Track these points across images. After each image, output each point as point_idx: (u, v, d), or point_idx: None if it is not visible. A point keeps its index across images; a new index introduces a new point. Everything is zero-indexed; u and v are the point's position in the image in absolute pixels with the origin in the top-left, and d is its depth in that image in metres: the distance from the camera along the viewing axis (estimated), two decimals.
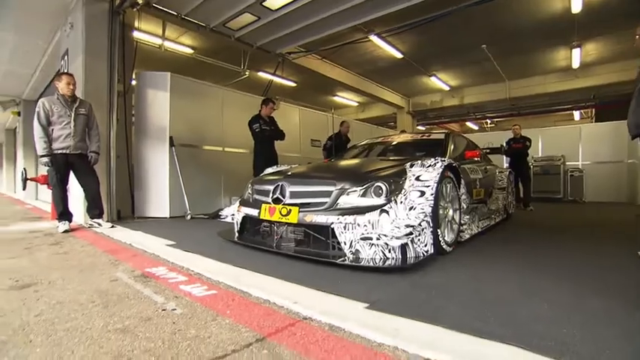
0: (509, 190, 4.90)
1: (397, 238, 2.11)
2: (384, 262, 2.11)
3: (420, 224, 2.20)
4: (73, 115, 3.85)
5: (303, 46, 7.26)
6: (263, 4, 5.05)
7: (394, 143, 4.24)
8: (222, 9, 5.31)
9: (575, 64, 9.05)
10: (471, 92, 12.15)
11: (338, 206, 2.34)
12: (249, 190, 3.14)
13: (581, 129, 9.41)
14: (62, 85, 3.81)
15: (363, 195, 2.33)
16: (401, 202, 2.23)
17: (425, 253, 2.24)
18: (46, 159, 3.71)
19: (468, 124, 15.52)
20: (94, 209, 4.06)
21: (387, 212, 2.18)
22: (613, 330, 1.30)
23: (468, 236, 3.04)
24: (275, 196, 2.64)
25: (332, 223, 2.26)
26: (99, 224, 4.08)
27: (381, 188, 2.31)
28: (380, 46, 7.84)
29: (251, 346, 1.22)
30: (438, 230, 2.39)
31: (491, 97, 11.80)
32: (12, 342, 1.26)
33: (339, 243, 2.25)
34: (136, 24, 5.56)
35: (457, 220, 2.83)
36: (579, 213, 6.08)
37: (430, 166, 2.51)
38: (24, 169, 4.96)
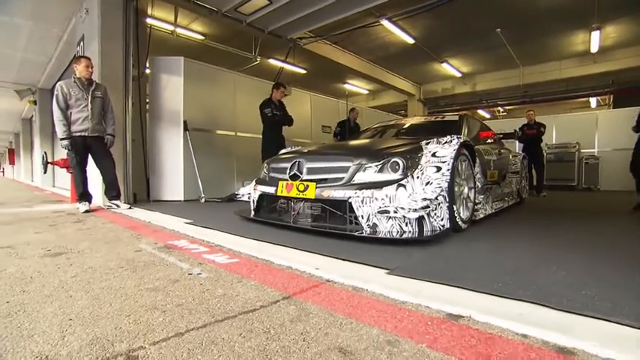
0: (522, 175, 4.87)
1: (414, 210, 2.13)
2: (401, 234, 2.15)
3: (436, 198, 2.21)
4: (89, 98, 3.93)
5: (314, 32, 7.21)
6: None
7: (408, 125, 4.22)
8: None
9: (594, 48, 8.79)
10: (483, 79, 11.94)
11: (355, 181, 2.37)
12: (265, 170, 3.20)
13: (597, 115, 9.20)
14: (81, 68, 3.88)
15: (380, 170, 2.35)
16: (417, 177, 2.25)
17: (441, 227, 2.26)
18: (66, 142, 3.81)
19: (480, 111, 15.28)
20: (112, 191, 4.17)
21: (405, 186, 2.20)
22: (628, 293, 1.31)
23: (482, 215, 3.06)
24: (292, 173, 2.69)
25: (349, 197, 2.29)
26: (117, 205, 4.19)
27: (397, 164, 2.33)
28: (391, 31, 7.74)
29: (278, 302, 1.27)
30: (454, 207, 2.40)
31: (503, 84, 11.58)
32: (55, 296, 1.34)
33: (356, 217, 2.28)
34: (149, 10, 5.58)
35: (472, 199, 2.85)
36: (593, 200, 6.00)
37: (446, 142, 2.51)
38: (44, 152, 5.10)
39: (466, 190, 2.74)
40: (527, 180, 5.35)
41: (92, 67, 3.99)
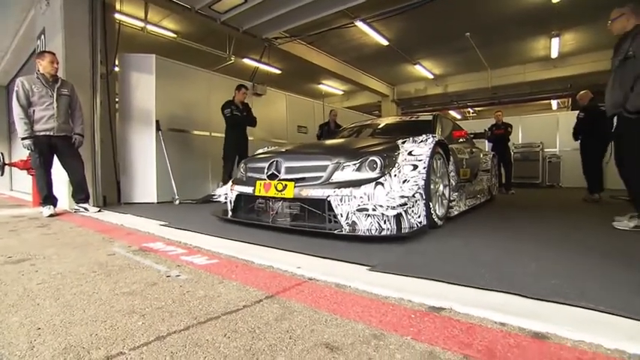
0: (492, 173, 5.07)
1: (392, 208, 2.18)
2: (380, 232, 2.19)
3: (413, 196, 2.27)
4: (55, 95, 3.71)
5: (289, 32, 7.19)
6: None
7: (383, 125, 4.29)
8: None
9: (554, 54, 9.33)
10: (454, 81, 12.35)
11: (333, 180, 2.39)
12: (242, 169, 3.16)
13: (558, 117, 9.75)
14: (45, 64, 3.66)
15: (358, 169, 2.39)
16: (395, 176, 2.30)
17: (418, 224, 2.32)
18: (28, 141, 3.58)
19: (451, 112, 15.79)
20: (80, 193, 3.96)
21: (382, 185, 2.24)
22: (592, 280, 1.40)
23: (456, 212, 3.16)
24: (270, 172, 2.68)
25: (328, 196, 2.31)
26: (85, 209, 3.99)
27: (375, 162, 2.37)
28: (366, 32, 7.85)
29: (261, 302, 1.25)
30: (430, 204, 2.46)
31: (473, 86, 12.03)
32: (19, 305, 1.26)
33: (335, 216, 2.31)
34: (118, 5, 5.35)
35: (447, 196, 2.93)
36: (557, 196, 6.35)
37: (422, 141, 2.57)
38: (1, 153, 4.75)
39: (441, 187, 2.81)
40: (497, 178, 5.58)
41: (57, 63, 3.78)
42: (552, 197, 6.06)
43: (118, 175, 5.02)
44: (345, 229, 2.25)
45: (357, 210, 2.23)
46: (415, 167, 2.36)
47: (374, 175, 2.33)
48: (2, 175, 4.57)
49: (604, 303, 1.13)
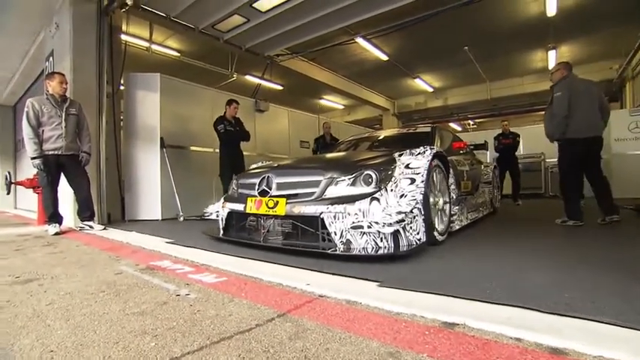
0: (494, 185, 4.99)
1: (389, 225, 2.06)
2: (377, 250, 2.06)
3: (411, 211, 2.15)
4: (63, 115, 3.78)
5: (291, 49, 7.32)
6: (253, 5, 5.10)
7: (381, 137, 4.24)
8: (212, 11, 5.33)
9: (551, 66, 9.44)
10: (454, 93, 12.48)
11: (327, 196, 2.28)
12: (234, 186, 3.09)
13: None
14: (54, 84, 3.74)
15: (353, 184, 2.28)
16: (391, 190, 2.20)
17: (417, 241, 2.19)
18: (38, 161, 3.63)
19: (452, 124, 15.89)
20: (86, 211, 3.98)
21: (378, 200, 2.14)
22: (603, 292, 1.39)
23: (458, 227, 3.03)
24: (261, 189, 2.58)
25: (321, 213, 2.20)
26: (90, 226, 3.99)
27: (370, 176, 2.26)
28: (366, 48, 8.00)
29: (273, 320, 1.25)
30: (429, 219, 2.35)
31: (473, 98, 12.16)
32: (30, 326, 1.26)
33: (329, 234, 2.19)
34: (124, 27, 5.49)
35: (447, 210, 2.82)
36: (559, 207, 6.30)
37: (419, 154, 2.47)
38: (8, 172, 4.80)
39: (441, 201, 2.69)
40: (499, 190, 5.47)
41: (66, 84, 3.87)
42: (555, 208, 6.02)
43: (122, 193, 5.05)
44: (340, 249, 2.13)
45: (352, 227, 2.11)
46: (413, 181, 2.26)
47: (369, 190, 2.22)
48: (9, 193, 4.61)
49: (621, 317, 1.12)
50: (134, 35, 6.88)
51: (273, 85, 9.60)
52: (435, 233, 2.44)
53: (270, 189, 2.55)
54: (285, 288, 1.62)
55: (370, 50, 8.15)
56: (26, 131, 3.64)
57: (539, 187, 9.10)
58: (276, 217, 2.43)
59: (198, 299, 1.51)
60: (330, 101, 13.55)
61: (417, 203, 2.19)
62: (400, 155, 2.51)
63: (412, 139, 3.70)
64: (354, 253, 2.07)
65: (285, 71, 8.41)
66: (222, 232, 2.95)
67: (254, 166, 3.59)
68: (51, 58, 5.07)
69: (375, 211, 2.10)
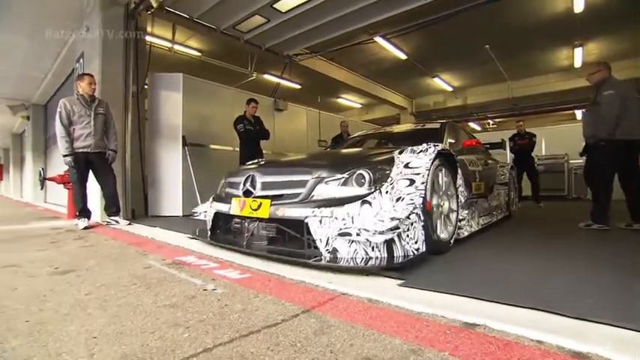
0: (511, 186, 4.68)
1: (381, 233, 1.81)
2: (367, 261, 1.78)
3: (408, 217, 1.89)
4: (92, 114, 3.95)
5: (310, 48, 7.38)
6: (273, 6, 5.17)
7: (388, 134, 4.07)
8: (233, 11, 5.44)
9: (578, 64, 9.15)
10: (473, 92, 12.27)
11: (314, 197, 2.07)
12: (222, 184, 2.93)
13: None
14: (84, 85, 3.91)
15: (344, 184, 2.07)
16: (387, 192, 1.98)
17: (415, 252, 1.91)
18: (69, 158, 3.81)
19: (471, 124, 15.61)
20: (112, 207, 4.15)
21: (370, 203, 1.92)
22: (628, 299, 1.38)
23: (467, 233, 2.74)
24: (245, 189, 2.41)
25: (306, 217, 1.99)
26: (116, 221, 4.16)
27: (363, 177, 2.04)
28: (385, 47, 7.96)
29: (298, 316, 1.30)
30: (431, 225, 2.12)
31: (493, 97, 11.91)
32: (73, 314, 1.35)
33: (314, 240, 1.97)
34: (149, 28, 5.67)
35: (454, 216, 2.54)
36: (583, 209, 6.12)
37: (421, 151, 2.24)
38: (42, 168, 5.07)
39: (447, 205, 2.42)
40: (516, 191, 5.17)
41: (95, 84, 4.04)
42: (578, 210, 5.86)
43: (145, 189, 5.23)
44: (325, 258, 1.89)
45: (339, 234, 1.87)
46: (412, 182, 2.03)
47: (361, 191, 2.00)
48: (42, 189, 4.85)
49: None
50: (157, 36, 7.07)
51: (292, 84, 9.69)
52: (438, 241, 2.19)
53: (254, 189, 2.37)
54: (308, 285, 1.67)
55: (389, 49, 8.11)
56: (59, 130, 3.82)
57: (561, 188, 8.86)
58: (260, 219, 2.24)
59: (224, 294, 1.57)
60: (348, 100, 13.54)
61: (415, 208, 1.94)
62: (401, 152, 2.28)
63: (421, 136, 3.42)
64: (340, 263, 1.82)
65: (304, 70, 8.47)
66: (209, 233, 2.75)
67: (249, 163, 3.35)
68: (81, 60, 5.28)
69: (365, 216, 1.88)
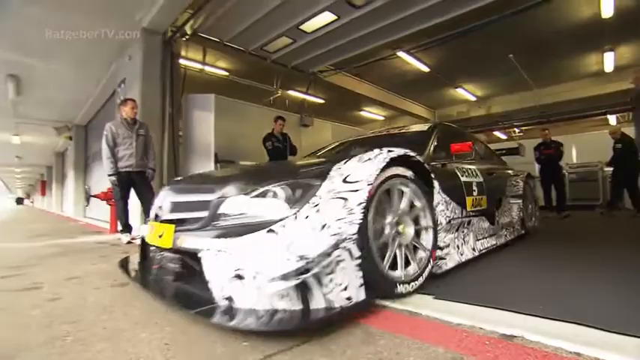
0: (529, 199, 3.97)
1: (282, 277, 1.34)
2: (270, 317, 1.30)
3: (328, 253, 1.39)
4: (134, 136, 4.26)
5: (334, 65, 7.61)
6: (299, 27, 5.43)
7: (362, 141, 3.49)
8: (261, 34, 5.76)
9: (609, 68, 8.92)
10: (498, 102, 12.13)
11: (216, 223, 1.61)
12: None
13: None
14: (127, 109, 4.23)
15: (248, 207, 1.59)
16: (306, 218, 1.44)
17: (347, 301, 1.41)
18: (114, 177, 4.12)
19: (496, 133, 15.33)
20: None
21: (276, 233, 1.42)
22: None
23: (452, 264, 2.14)
24: (155, 211, 2.08)
25: (201, 249, 1.52)
26: None
27: (276, 195, 1.56)
28: (407, 61, 8.08)
29: (347, 326, 1.40)
30: (381, 258, 1.63)
31: (519, 106, 11.71)
32: (142, 323, 1.52)
33: (207, 282, 1.47)
34: (183, 52, 6.06)
35: (428, 242, 1.94)
36: (623, 219, 5.91)
37: (368, 159, 1.70)
38: (87, 186, 5.46)
39: (411, 231, 1.86)
40: (536, 205, 4.29)
41: (137, 108, 4.36)
42: (616, 221, 5.65)
43: None
44: (220, 307, 1.39)
45: (235, 276, 1.39)
46: (345, 202, 1.50)
47: (269, 216, 1.50)
48: (88, 205, 5.22)
49: None
50: (190, 59, 7.51)
51: (316, 99, 9.94)
52: (393, 281, 1.64)
53: (163, 210, 1.99)
54: None
55: (412, 63, 8.22)
56: (105, 151, 4.14)
57: (595, 198, 8.54)
58: (166, 249, 1.78)
59: None
60: (370, 112, 13.67)
61: (343, 240, 1.43)
62: (346, 162, 1.69)
63: (400, 142, 2.88)
64: (231, 323, 1.28)
65: (328, 85, 8.72)
66: (138, 260, 2.29)
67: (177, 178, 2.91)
68: (122, 85, 5.72)
69: (268, 252, 1.39)
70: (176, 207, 1.93)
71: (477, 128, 13.74)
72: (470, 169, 2.77)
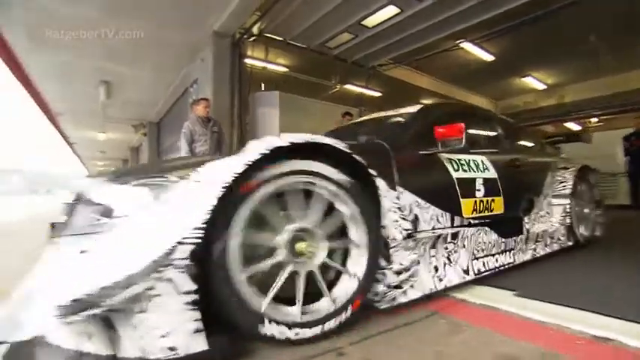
0: (584, 199, 3.07)
1: (63, 315, 0.94)
2: None
3: (134, 284, 0.98)
4: (209, 133, 4.64)
5: (394, 58, 7.52)
6: (361, 23, 5.47)
7: (354, 125, 3.18)
8: (324, 31, 5.89)
9: None
10: (572, 90, 11.08)
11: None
12: None
13: None
14: (200, 108, 4.58)
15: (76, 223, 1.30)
16: (118, 236, 1.09)
17: (169, 352, 1.00)
18: None
19: (568, 124, 14.01)
20: None
21: (86, 252, 1.07)
22: None
23: (417, 295, 1.59)
24: None
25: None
26: None
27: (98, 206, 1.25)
28: (470, 51, 7.71)
29: (431, 316, 1.50)
30: (262, 291, 1.22)
31: (596, 93, 10.57)
32: None
33: None
34: (249, 52, 6.41)
35: (359, 267, 1.42)
36: None
37: (245, 151, 1.32)
38: None
39: (322, 252, 1.38)
40: (597, 206, 3.21)
41: (209, 107, 4.72)
42: None
43: None
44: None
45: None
46: (183, 213, 1.10)
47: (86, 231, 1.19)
48: None
49: None
50: (254, 57, 7.89)
51: (374, 93, 9.89)
52: (283, 322, 1.22)
53: None
54: None
55: (474, 52, 7.82)
56: (183, 148, 4.55)
57: None
58: None
59: None
60: None
61: (164, 266, 1.00)
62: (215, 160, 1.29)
63: (383, 129, 2.43)
64: None
65: (386, 78, 8.63)
66: None
67: None
68: (194, 85, 6.22)
69: (65, 278, 1.04)
70: None
71: (547, 119, 12.70)
72: (473, 160, 2.12)
